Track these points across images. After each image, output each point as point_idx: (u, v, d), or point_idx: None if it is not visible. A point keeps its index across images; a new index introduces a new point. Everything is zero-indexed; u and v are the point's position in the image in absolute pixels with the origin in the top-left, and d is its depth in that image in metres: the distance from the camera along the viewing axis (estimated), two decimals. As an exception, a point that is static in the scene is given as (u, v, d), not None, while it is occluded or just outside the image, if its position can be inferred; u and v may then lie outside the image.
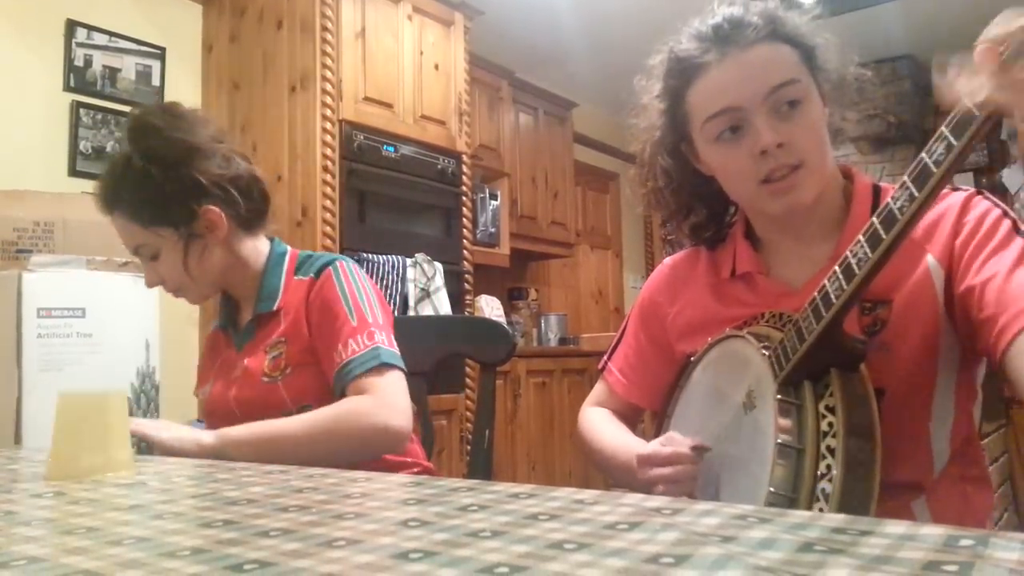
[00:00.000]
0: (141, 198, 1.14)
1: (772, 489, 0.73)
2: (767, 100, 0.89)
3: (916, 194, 0.69)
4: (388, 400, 1.08)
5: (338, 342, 1.13)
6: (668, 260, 1.16)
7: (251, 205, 1.22)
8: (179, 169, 1.14)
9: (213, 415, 1.25)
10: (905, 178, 0.70)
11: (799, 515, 0.44)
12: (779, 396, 0.79)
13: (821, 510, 0.71)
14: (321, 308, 1.17)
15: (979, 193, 0.90)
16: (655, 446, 0.91)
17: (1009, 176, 4.62)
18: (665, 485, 0.87)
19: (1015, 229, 0.85)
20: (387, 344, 1.14)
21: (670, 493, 0.87)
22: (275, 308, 1.21)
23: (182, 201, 1.15)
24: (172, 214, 1.15)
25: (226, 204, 1.19)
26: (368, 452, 1.10)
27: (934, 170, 0.67)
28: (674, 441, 0.90)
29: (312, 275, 1.21)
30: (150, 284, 1.22)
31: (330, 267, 1.20)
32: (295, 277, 1.23)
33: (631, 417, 1.17)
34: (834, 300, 0.75)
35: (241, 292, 1.28)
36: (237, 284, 1.27)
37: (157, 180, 1.13)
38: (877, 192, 0.96)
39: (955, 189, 0.92)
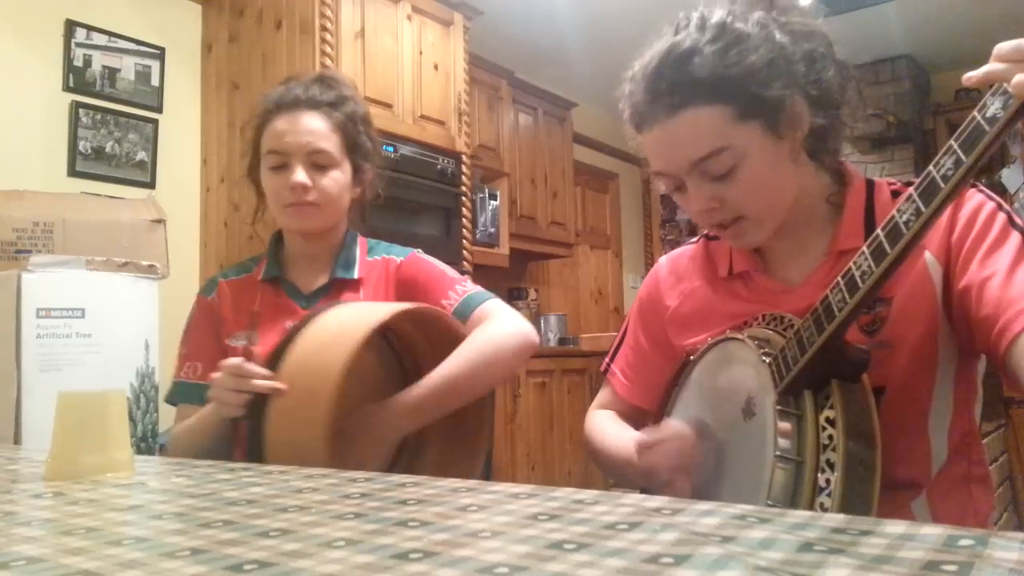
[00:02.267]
0: (348, 128, 1.29)
1: (770, 501, 0.73)
2: (693, 171, 0.90)
3: (923, 209, 0.68)
4: (515, 316, 1.23)
5: (448, 288, 1.27)
6: (664, 258, 1.16)
7: (377, 196, 1.39)
8: (368, 127, 1.34)
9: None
10: (912, 191, 0.70)
11: (799, 515, 0.44)
12: (779, 406, 0.78)
13: None
14: (421, 275, 1.30)
15: (973, 186, 0.90)
16: (652, 430, 0.92)
17: (1008, 176, 4.62)
18: (667, 463, 0.87)
19: (1010, 223, 0.85)
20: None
21: (671, 473, 0.87)
22: (356, 277, 1.30)
23: (364, 150, 1.32)
24: (357, 152, 1.31)
25: (374, 178, 1.36)
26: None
27: (942, 185, 0.67)
28: (670, 424, 0.91)
29: (395, 256, 1.33)
30: (294, 185, 1.24)
31: (415, 251, 1.36)
32: (367, 257, 1.34)
33: (636, 419, 1.17)
34: (836, 312, 0.75)
35: (318, 250, 1.32)
36: (324, 240, 1.33)
37: (357, 125, 1.32)
38: (871, 187, 0.96)
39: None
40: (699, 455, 0.88)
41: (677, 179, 0.93)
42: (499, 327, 1.19)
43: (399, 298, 1.28)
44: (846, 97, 0.93)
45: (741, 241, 0.96)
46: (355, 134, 1.30)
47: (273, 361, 0.99)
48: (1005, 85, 0.65)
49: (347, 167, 1.29)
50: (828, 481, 0.72)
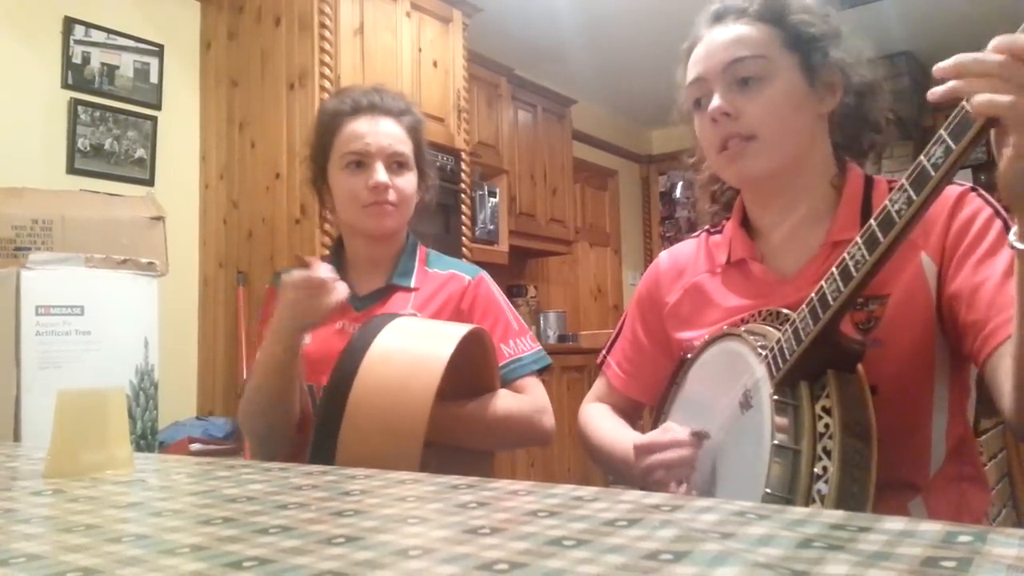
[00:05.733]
0: (417, 136, 1.35)
1: (768, 490, 0.74)
2: (724, 73, 0.95)
3: (914, 197, 0.68)
4: (547, 405, 1.26)
5: (504, 340, 1.29)
6: (664, 253, 1.17)
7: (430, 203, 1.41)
8: (426, 138, 1.39)
9: (318, 363, 1.26)
10: (904, 180, 0.70)
11: (798, 512, 0.44)
12: (775, 396, 0.79)
13: None
14: (487, 307, 1.32)
15: (973, 190, 0.90)
16: (654, 435, 0.92)
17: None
18: (663, 471, 0.87)
19: (1007, 229, 0.85)
20: (541, 348, 1.33)
21: (667, 479, 0.87)
22: (412, 286, 1.32)
23: (428, 158, 1.37)
24: (422, 158, 1.35)
25: (432, 179, 1.39)
26: (523, 445, 1.28)
27: (932, 173, 0.67)
28: (672, 429, 0.91)
29: (464, 274, 1.35)
30: (376, 185, 1.26)
31: (482, 274, 1.37)
32: (425, 267, 1.36)
33: (631, 412, 1.17)
34: (831, 302, 0.75)
35: (381, 254, 1.35)
36: (389, 244, 1.35)
37: (422, 134, 1.37)
38: (869, 182, 0.97)
39: (951, 183, 0.92)
40: (696, 461, 0.88)
41: (705, 87, 0.96)
42: (530, 410, 1.24)
43: (457, 314, 1.31)
44: (871, 95, 0.99)
45: (740, 163, 0.95)
46: (421, 141, 1.35)
47: (342, 374, 1.02)
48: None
49: (415, 171, 1.33)
50: (825, 469, 0.72)
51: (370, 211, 1.28)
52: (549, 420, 1.25)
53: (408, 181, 1.31)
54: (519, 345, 1.30)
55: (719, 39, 0.96)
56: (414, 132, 1.34)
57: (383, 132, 1.29)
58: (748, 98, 0.93)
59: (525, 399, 1.25)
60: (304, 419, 1.24)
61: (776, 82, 0.93)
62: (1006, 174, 0.65)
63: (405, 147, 1.31)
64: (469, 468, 1.20)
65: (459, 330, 1.07)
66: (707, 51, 0.97)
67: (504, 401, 1.22)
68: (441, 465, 1.18)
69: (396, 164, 1.29)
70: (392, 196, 1.28)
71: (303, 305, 1.10)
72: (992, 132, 0.64)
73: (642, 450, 0.91)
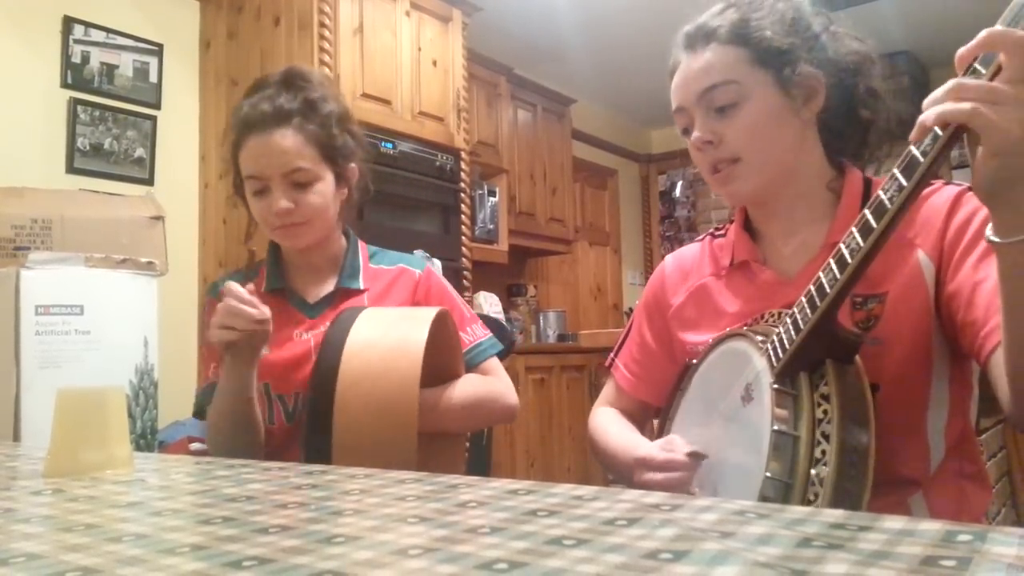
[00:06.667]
0: (324, 136, 1.25)
1: (768, 475, 0.74)
2: (700, 101, 0.96)
3: (904, 184, 0.70)
4: (511, 385, 1.30)
5: (465, 326, 1.30)
6: (670, 256, 1.19)
7: (367, 191, 1.36)
8: (347, 124, 1.29)
9: (282, 371, 1.24)
10: (895, 170, 0.72)
11: (798, 511, 0.44)
12: (775, 385, 0.79)
13: (816, 495, 0.71)
14: (441, 298, 1.32)
15: (971, 189, 0.90)
16: (653, 450, 0.93)
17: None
18: (662, 487, 0.88)
19: None
20: (492, 334, 1.35)
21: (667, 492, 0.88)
22: (361, 287, 1.30)
23: (345, 152, 1.28)
24: (337, 157, 1.27)
25: (361, 174, 1.33)
26: (493, 424, 1.34)
27: (921, 160, 0.69)
28: (673, 445, 0.91)
29: (412, 268, 1.34)
30: (277, 212, 1.21)
31: (429, 265, 1.37)
32: (370, 264, 1.34)
33: (639, 416, 1.18)
34: (828, 290, 0.76)
35: (319, 260, 1.32)
36: (323, 250, 1.32)
37: (332, 128, 1.26)
38: (868, 184, 0.98)
39: (948, 183, 0.93)
40: (691, 482, 0.89)
41: (688, 115, 0.98)
42: (497, 389, 1.27)
43: (414, 307, 1.31)
44: (865, 88, 0.98)
45: (731, 186, 0.97)
46: (331, 139, 1.25)
47: (325, 370, 1.01)
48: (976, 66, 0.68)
49: (328, 176, 1.25)
50: (824, 453, 0.73)
51: (280, 234, 1.25)
52: (514, 398, 1.29)
53: (316, 194, 1.22)
54: (475, 331, 1.31)
55: (692, 68, 0.98)
56: (319, 134, 1.23)
57: (276, 151, 1.20)
58: (726, 124, 0.95)
59: (493, 380, 1.28)
60: (270, 430, 1.22)
61: (750, 103, 0.94)
62: (977, 173, 0.66)
63: (305, 160, 1.21)
64: (443, 452, 1.21)
65: (428, 312, 1.07)
66: (683, 79, 0.99)
67: (474, 384, 1.25)
68: (418, 452, 1.19)
69: (298, 181, 1.21)
70: (298, 216, 1.22)
71: (244, 339, 1.07)
72: (966, 134, 0.66)
73: (640, 464, 0.93)
